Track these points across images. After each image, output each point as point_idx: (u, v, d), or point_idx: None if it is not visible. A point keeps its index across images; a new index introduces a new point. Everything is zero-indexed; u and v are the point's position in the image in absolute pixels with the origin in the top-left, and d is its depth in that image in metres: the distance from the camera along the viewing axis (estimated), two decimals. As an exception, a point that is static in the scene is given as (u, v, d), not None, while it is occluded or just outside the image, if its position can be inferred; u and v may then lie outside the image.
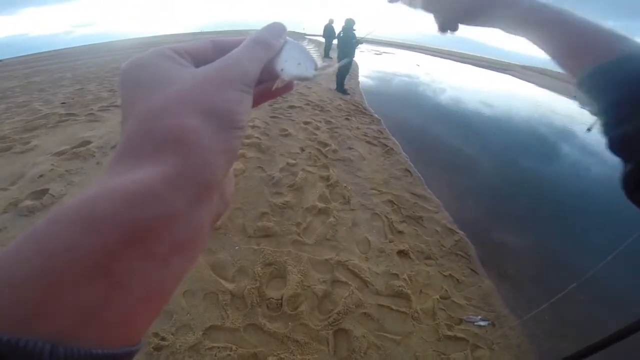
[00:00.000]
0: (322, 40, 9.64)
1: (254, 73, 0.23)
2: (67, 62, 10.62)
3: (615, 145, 0.32)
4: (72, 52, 15.08)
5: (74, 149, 2.83)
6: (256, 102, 0.27)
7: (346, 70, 5.93)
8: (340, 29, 5.98)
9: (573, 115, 8.14)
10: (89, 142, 2.99)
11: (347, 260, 1.91)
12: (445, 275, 2.01)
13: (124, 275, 0.14)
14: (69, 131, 3.31)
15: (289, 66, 0.26)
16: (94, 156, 2.76)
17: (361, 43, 5.79)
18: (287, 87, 0.28)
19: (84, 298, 0.13)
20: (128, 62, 0.22)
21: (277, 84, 0.27)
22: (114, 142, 2.98)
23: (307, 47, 0.28)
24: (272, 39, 0.26)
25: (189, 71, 0.21)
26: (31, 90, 5.49)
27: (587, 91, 0.33)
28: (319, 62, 0.28)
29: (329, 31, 9.42)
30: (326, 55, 10.14)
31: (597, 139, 0.33)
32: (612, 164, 0.33)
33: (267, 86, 0.28)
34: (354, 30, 5.74)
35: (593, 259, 1.75)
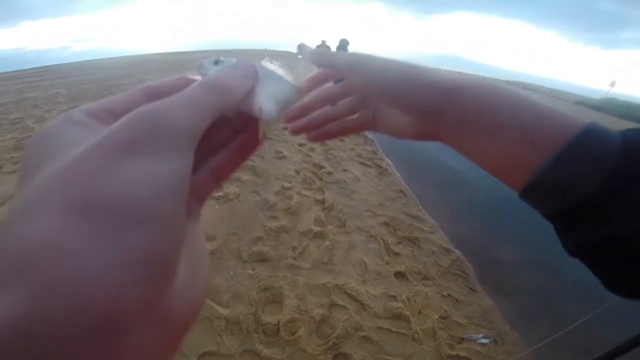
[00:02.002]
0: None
1: (193, 125, 0.16)
2: (63, 78, 10.63)
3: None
4: (67, 68, 15.12)
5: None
6: (231, 165, 0.23)
7: None
8: (334, 49, 6.15)
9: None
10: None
11: (344, 284, 1.89)
12: (444, 295, 1.99)
13: None
14: (61, 150, 3.28)
15: (266, 102, 0.22)
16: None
17: None
18: (260, 138, 0.23)
19: None
20: (35, 132, 0.17)
21: (263, 129, 0.23)
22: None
23: (274, 68, 0.24)
24: (234, 80, 0.20)
25: (90, 139, 0.14)
26: (25, 107, 5.46)
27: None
28: (296, 78, 0.25)
29: None
30: None
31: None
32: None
33: (249, 137, 0.23)
34: (347, 50, 5.88)
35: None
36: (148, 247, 0.12)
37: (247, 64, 0.22)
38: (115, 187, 0.12)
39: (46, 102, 5.82)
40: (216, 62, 0.22)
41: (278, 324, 1.58)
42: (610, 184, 0.20)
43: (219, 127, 0.22)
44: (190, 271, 0.16)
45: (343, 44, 5.84)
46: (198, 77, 0.21)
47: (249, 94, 0.21)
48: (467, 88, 0.24)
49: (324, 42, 9.34)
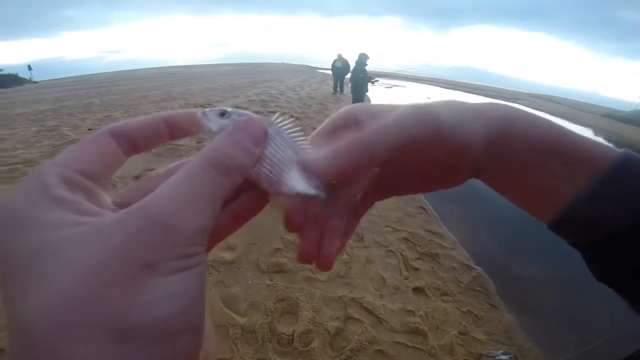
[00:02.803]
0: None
1: (205, 222, 0.15)
2: (95, 87, 11.25)
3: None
4: (101, 78, 15.99)
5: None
6: (256, 205, 0.21)
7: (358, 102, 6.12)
8: (352, 62, 6.17)
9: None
10: (110, 171, 3.08)
11: (360, 297, 1.87)
12: (463, 311, 1.93)
13: None
14: (93, 158, 3.45)
15: (279, 177, 0.20)
16: (115, 186, 2.84)
17: (374, 80, 5.89)
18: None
19: None
20: (1, 207, 0.15)
21: (278, 198, 0.21)
22: (135, 173, 3.06)
23: (286, 126, 0.21)
24: (244, 151, 0.18)
25: (82, 241, 0.13)
26: (61, 115, 5.80)
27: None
28: (306, 141, 0.22)
29: (337, 69, 9.69)
30: (340, 89, 10.43)
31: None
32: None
33: (256, 197, 0.21)
34: (366, 65, 5.93)
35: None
36: (183, 354, 0.14)
37: (257, 126, 0.19)
38: (147, 312, 0.13)
39: (80, 111, 6.17)
40: (222, 114, 0.20)
41: (293, 335, 1.58)
42: None
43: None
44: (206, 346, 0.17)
45: (362, 58, 5.87)
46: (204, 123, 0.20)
47: (258, 161, 0.19)
48: (516, 122, 0.23)
49: (340, 55, 9.46)
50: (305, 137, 0.22)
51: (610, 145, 0.23)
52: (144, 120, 0.20)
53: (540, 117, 0.24)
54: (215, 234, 0.18)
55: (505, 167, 0.24)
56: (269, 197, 0.21)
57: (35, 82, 16.91)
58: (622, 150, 0.22)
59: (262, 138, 0.19)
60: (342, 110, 0.26)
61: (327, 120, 0.26)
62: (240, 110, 0.21)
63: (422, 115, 0.22)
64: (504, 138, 0.23)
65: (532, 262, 2.65)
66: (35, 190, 0.15)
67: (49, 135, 4.33)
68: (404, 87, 22.18)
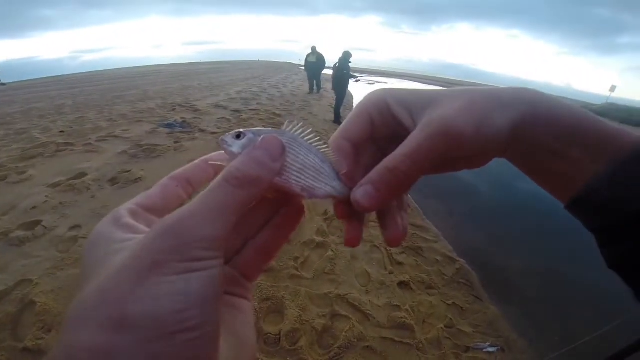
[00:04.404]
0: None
1: (217, 232, 0.17)
2: (69, 88, 10.81)
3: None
4: (75, 79, 15.37)
5: (70, 181, 2.81)
6: (279, 239, 0.23)
7: (341, 101, 6.20)
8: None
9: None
10: (84, 174, 2.98)
11: (346, 294, 1.87)
12: (448, 304, 1.96)
13: None
14: (65, 161, 3.31)
15: (312, 182, 0.22)
16: (89, 189, 2.73)
17: (357, 77, 6.05)
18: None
19: None
20: (91, 233, 0.20)
21: (313, 201, 0.23)
22: (110, 176, 2.97)
23: (298, 131, 0.22)
24: (260, 167, 0.19)
25: (122, 250, 0.17)
26: (31, 117, 5.54)
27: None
28: (321, 141, 0.23)
29: (311, 65, 9.05)
30: (317, 87, 9.84)
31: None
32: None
33: (293, 209, 0.23)
34: (350, 62, 6.04)
35: (595, 273, 1.79)
36: (178, 354, 0.14)
37: (274, 142, 0.20)
38: (144, 306, 0.14)
39: (52, 113, 5.91)
40: (238, 136, 0.21)
41: (279, 334, 1.56)
42: None
43: (259, 206, 0.23)
44: (234, 351, 0.19)
45: (346, 56, 6.01)
46: (223, 156, 0.22)
47: (284, 170, 0.21)
48: (542, 110, 0.24)
49: (314, 48, 9.31)
50: (318, 137, 0.23)
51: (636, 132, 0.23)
52: (193, 165, 0.25)
53: (564, 103, 0.24)
54: (268, 247, 0.22)
55: (529, 150, 0.25)
56: (303, 202, 0.23)
57: (4, 84, 16.13)
58: None
59: (278, 151, 0.20)
60: (372, 96, 0.27)
61: (359, 108, 0.27)
62: (255, 128, 0.22)
63: (440, 130, 0.23)
64: (529, 124, 0.24)
65: (514, 254, 2.73)
66: (111, 219, 0.20)
67: (17, 138, 4.12)
68: (386, 83, 22.41)
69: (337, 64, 6.07)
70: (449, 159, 0.25)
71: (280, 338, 1.54)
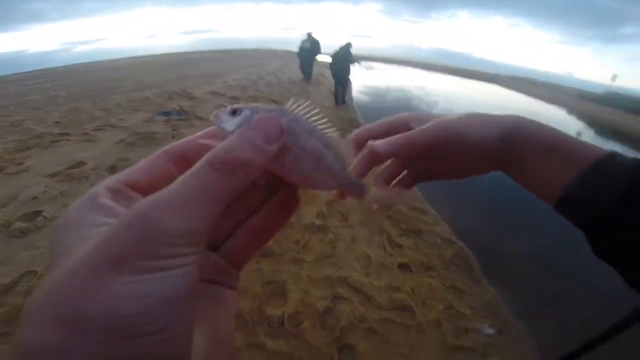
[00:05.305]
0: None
1: (194, 225, 0.15)
2: (62, 80, 10.62)
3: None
4: (67, 70, 15.11)
5: (68, 170, 2.80)
6: (273, 225, 0.22)
7: (345, 85, 6.39)
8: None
9: (561, 123, 8.31)
10: (83, 163, 2.96)
11: (348, 276, 1.89)
12: (447, 287, 1.99)
13: None
14: (62, 151, 3.28)
15: (308, 166, 0.19)
16: (88, 178, 2.72)
17: (358, 61, 6.38)
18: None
19: None
20: (62, 215, 0.17)
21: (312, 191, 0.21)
22: (108, 164, 2.95)
23: (303, 111, 0.20)
24: (253, 149, 0.17)
25: (90, 238, 0.15)
26: (25, 109, 5.45)
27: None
28: (327, 123, 0.21)
29: (305, 52, 8.43)
30: (307, 76, 9.13)
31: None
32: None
33: (287, 195, 0.21)
34: (351, 53, 6.26)
35: (593, 260, 1.77)
36: (143, 356, 0.13)
37: (271, 122, 0.18)
38: (102, 307, 0.13)
39: (46, 104, 5.83)
40: (233, 113, 0.19)
41: (282, 317, 1.58)
42: (624, 199, 0.25)
43: (252, 190, 0.20)
44: (207, 340, 0.18)
45: (347, 46, 6.18)
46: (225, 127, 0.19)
47: (283, 153, 0.18)
48: (524, 127, 0.31)
49: (310, 34, 9.11)
50: (325, 119, 0.21)
51: (597, 145, 0.30)
52: (191, 137, 0.21)
53: (543, 124, 0.31)
54: (260, 233, 0.21)
55: (518, 162, 0.31)
56: (300, 191, 0.21)
57: (-5, 77, 15.81)
58: (609, 150, 0.28)
59: (276, 134, 0.18)
60: (402, 115, 0.36)
61: (385, 120, 0.36)
62: (254, 105, 0.20)
63: (441, 125, 0.32)
64: (515, 140, 0.31)
65: (512, 237, 2.76)
66: (86, 199, 0.17)
67: (12, 130, 4.07)
68: (386, 69, 22.14)
69: (339, 52, 6.12)
70: (449, 160, 0.34)
71: (283, 321, 1.57)
